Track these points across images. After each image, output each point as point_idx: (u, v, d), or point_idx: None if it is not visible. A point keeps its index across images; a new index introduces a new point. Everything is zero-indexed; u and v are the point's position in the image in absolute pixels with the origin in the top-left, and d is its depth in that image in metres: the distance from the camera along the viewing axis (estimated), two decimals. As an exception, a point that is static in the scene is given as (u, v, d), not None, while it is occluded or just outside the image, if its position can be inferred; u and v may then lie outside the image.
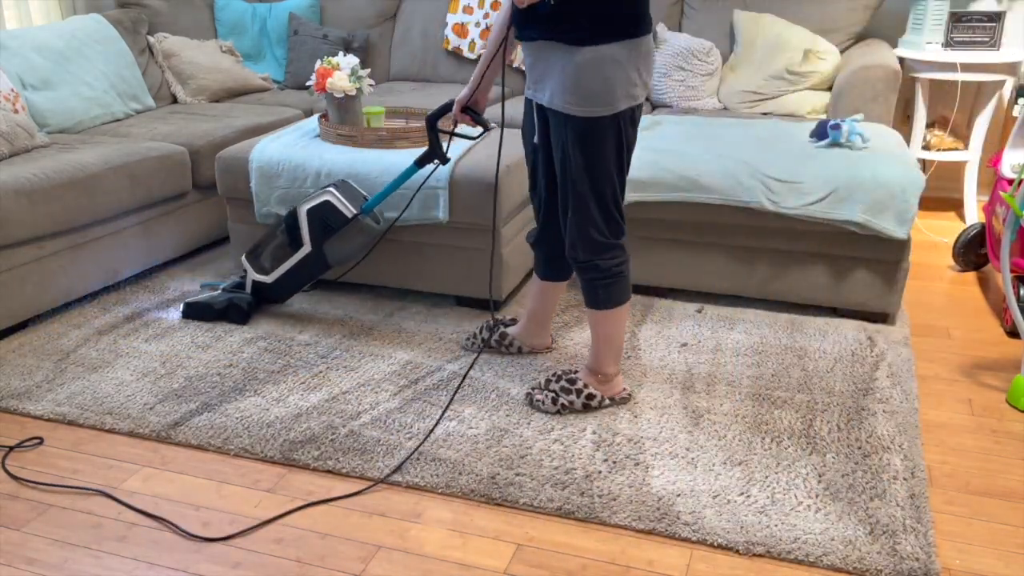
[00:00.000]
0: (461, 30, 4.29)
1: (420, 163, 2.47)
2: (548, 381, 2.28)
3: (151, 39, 4.08)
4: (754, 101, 3.72)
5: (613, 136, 1.97)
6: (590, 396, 2.23)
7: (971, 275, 3.25)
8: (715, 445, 2.10)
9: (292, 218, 2.68)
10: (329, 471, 2.03)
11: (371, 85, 2.99)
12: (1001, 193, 2.74)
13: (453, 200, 2.72)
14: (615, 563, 1.73)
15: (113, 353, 2.61)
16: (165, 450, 2.14)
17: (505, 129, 3.26)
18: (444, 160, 2.42)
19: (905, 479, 1.96)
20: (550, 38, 1.92)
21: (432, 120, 2.32)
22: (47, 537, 1.83)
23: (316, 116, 3.20)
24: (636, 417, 2.23)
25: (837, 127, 2.83)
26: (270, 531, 1.84)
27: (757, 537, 1.78)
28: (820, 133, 2.90)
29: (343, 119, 2.98)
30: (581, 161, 1.99)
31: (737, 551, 1.76)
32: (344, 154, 2.84)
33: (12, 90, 3.10)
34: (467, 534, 1.82)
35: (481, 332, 2.58)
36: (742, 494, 1.92)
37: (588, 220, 2.06)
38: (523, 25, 1.96)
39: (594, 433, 2.16)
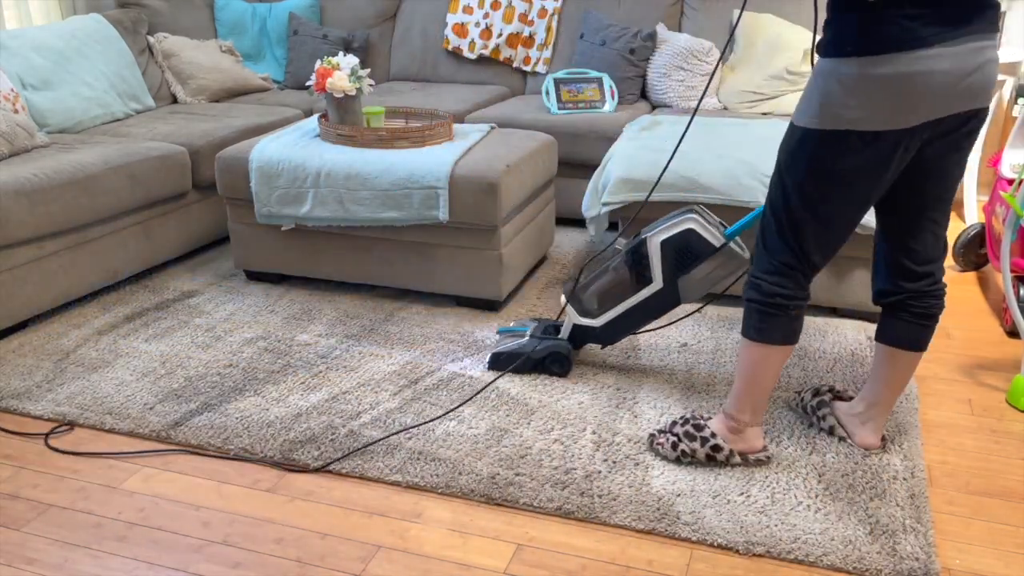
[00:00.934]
0: (461, 30, 4.29)
1: None
2: (673, 424, 2.06)
3: (151, 39, 4.08)
4: (754, 101, 3.72)
5: (804, 152, 1.74)
6: (716, 447, 1.99)
7: (971, 275, 3.25)
8: (715, 445, 2.10)
9: (637, 253, 2.35)
10: (329, 471, 2.03)
11: (371, 85, 2.99)
12: (1001, 193, 2.74)
13: (453, 200, 2.72)
14: (615, 563, 1.73)
15: (113, 353, 2.61)
16: (165, 450, 2.14)
17: (501, 128, 3.26)
18: None
19: (905, 479, 1.96)
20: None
21: None
22: (47, 537, 1.83)
23: (316, 116, 3.21)
24: (636, 417, 2.23)
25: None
26: (270, 531, 1.84)
27: (757, 537, 1.78)
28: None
29: (343, 119, 2.98)
30: (784, 172, 1.81)
31: (737, 551, 1.76)
32: (344, 154, 2.84)
33: (12, 90, 3.10)
34: (467, 534, 1.82)
35: (806, 391, 2.23)
36: (742, 494, 1.92)
37: (763, 229, 1.88)
38: None
39: (594, 433, 2.16)
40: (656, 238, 2.31)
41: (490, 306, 2.90)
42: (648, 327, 2.76)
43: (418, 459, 2.06)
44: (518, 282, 3.01)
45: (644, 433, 2.15)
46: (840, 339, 2.66)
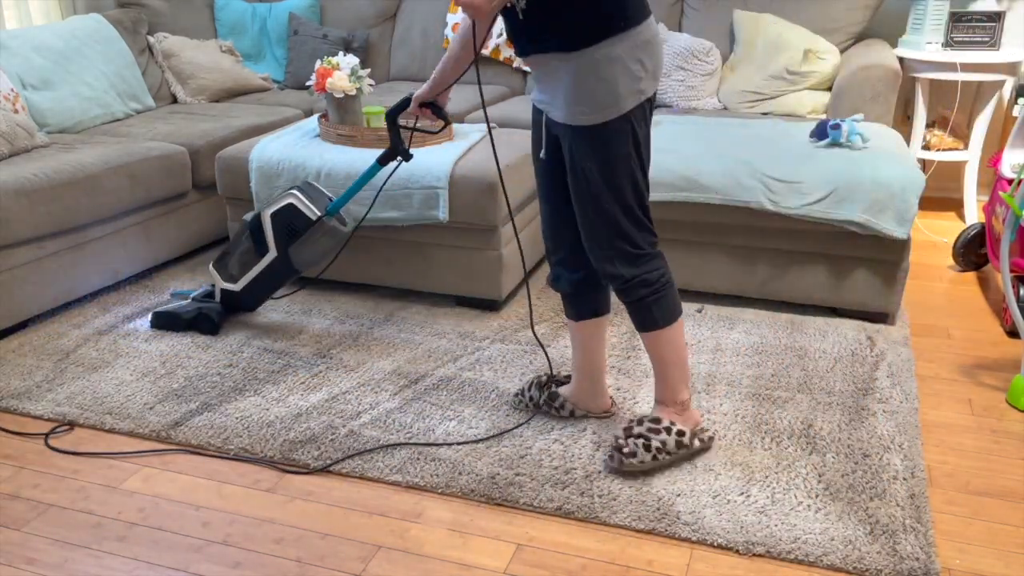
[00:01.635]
0: (461, 30, 4.29)
1: (383, 161, 2.40)
2: (629, 428, 2.01)
3: (151, 39, 4.08)
4: (754, 101, 3.72)
5: (628, 138, 1.82)
6: (680, 433, 2.00)
7: (971, 275, 3.25)
8: (715, 445, 2.10)
9: (256, 223, 2.62)
10: (329, 471, 2.03)
11: (371, 85, 2.99)
12: (1001, 193, 2.74)
13: (453, 200, 2.72)
14: (615, 563, 1.73)
15: (113, 353, 2.61)
16: (165, 450, 2.14)
17: (501, 128, 3.26)
18: (407, 157, 2.34)
19: (905, 479, 1.96)
20: (542, 50, 1.79)
21: (392, 116, 2.22)
22: (47, 537, 1.83)
23: (316, 116, 3.21)
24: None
25: (837, 127, 2.83)
26: (270, 531, 1.84)
27: (757, 537, 1.78)
28: (820, 133, 2.90)
29: (343, 119, 2.98)
30: (598, 174, 1.83)
31: (737, 551, 1.76)
32: (344, 154, 2.84)
33: (12, 90, 3.10)
34: (467, 534, 1.82)
35: (530, 389, 2.26)
36: (742, 494, 1.92)
37: (621, 235, 1.88)
38: (515, 39, 1.84)
39: (594, 433, 2.16)
40: (268, 211, 2.59)
41: (490, 306, 2.90)
42: (282, 293, 3.05)
43: (418, 459, 2.06)
44: (518, 281, 3.01)
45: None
46: (840, 339, 2.66)
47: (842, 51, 3.78)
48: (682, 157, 2.77)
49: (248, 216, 2.67)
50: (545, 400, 2.23)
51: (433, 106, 2.16)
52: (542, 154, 1.99)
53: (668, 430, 2.00)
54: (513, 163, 2.81)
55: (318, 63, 2.94)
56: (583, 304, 2.11)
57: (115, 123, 3.60)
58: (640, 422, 2.02)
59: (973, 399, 2.36)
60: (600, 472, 2.00)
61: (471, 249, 2.81)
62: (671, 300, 1.95)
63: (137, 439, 2.19)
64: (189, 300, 2.80)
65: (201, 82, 4.08)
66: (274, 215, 2.58)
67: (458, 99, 3.92)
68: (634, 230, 1.89)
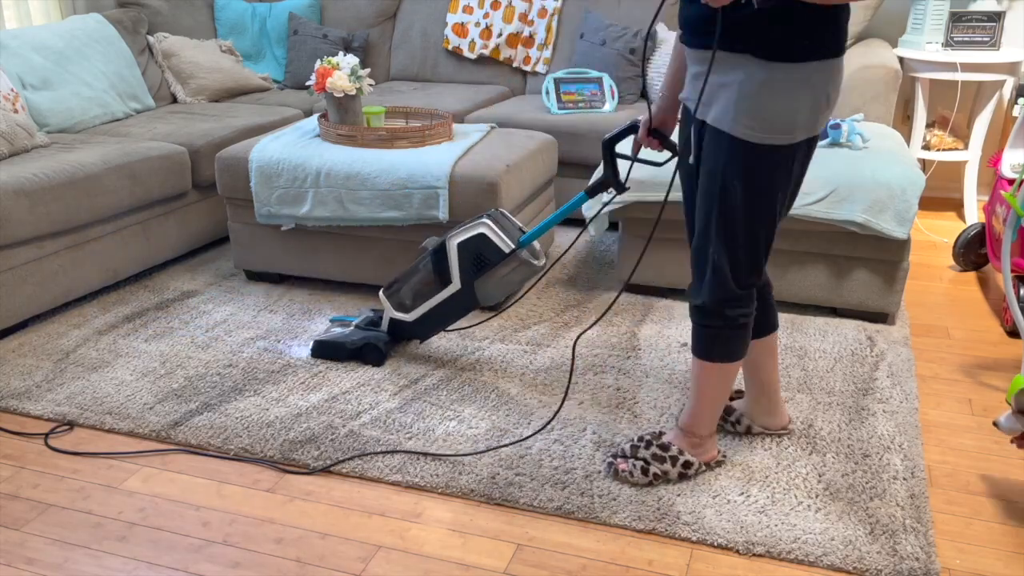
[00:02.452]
0: (461, 30, 4.29)
1: (592, 192, 2.16)
2: (635, 448, 1.98)
3: (151, 39, 4.08)
4: (754, 101, 3.71)
5: (785, 169, 1.69)
6: (687, 464, 1.95)
7: (971, 275, 3.25)
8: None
9: (440, 252, 2.42)
10: (329, 471, 2.03)
11: (371, 85, 2.99)
12: (1001, 193, 2.74)
13: (453, 200, 2.72)
14: (615, 563, 1.73)
15: (113, 353, 2.61)
16: (165, 450, 2.14)
17: (501, 128, 3.26)
18: (621, 188, 2.12)
19: (905, 479, 1.96)
20: (736, 49, 1.62)
21: (610, 144, 2.05)
22: (47, 537, 1.83)
23: (316, 116, 3.21)
24: (636, 417, 2.23)
25: (837, 127, 2.83)
26: (270, 531, 1.84)
27: (757, 537, 1.78)
28: (820, 133, 2.89)
29: (343, 119, 2.98)
30: (743, 195, 1.70)
31: (737, 551, 1.76)
32: (344, 154, 2.84)
33: (12, 90, 3.10)
34: (467, 534, 1.82)
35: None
36: (742, 494, 1.92)
37: (733, 263, 1.77)
38: (697, 30, 1.67)
39: (594, 433, 2.16)
40: (454, 240, 2.38)
41: (490, 306, 2.90)
42: (457, 326, 2.79)
43: (418, 459, 2.06)
44: (518, 282, 3.00)
45: (644, 433, 2.15)
46: (840, 339, 2.66)
47: (842, 51, 3.77)
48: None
49: (429, 243, 2.49)
50: (722, 415, 2.14)
51: (659, 133, 1.98)
52: (691, 159, 1.85)
53: (674, 460, 1.95)
54: (514, 163, 2.81)
55: (318, 63, 2.94)
56: (755, 323, 2.00)
57: (115, 123, 3.60)
58: (648, 444, 1.98)
59: (973, 399, 2.36)
60: (600, 472, 2.00)
61: (471, 249, 2.80)
62: (737, 342, 1.86)
63: (137, 439, 2.19)
64: (352, 327, 2.61)
65: (201, 82, 4.08)
66: (462, 245, 2.36)
67: (458, 99, 3.92)
68: (746, 265, 1.78)
